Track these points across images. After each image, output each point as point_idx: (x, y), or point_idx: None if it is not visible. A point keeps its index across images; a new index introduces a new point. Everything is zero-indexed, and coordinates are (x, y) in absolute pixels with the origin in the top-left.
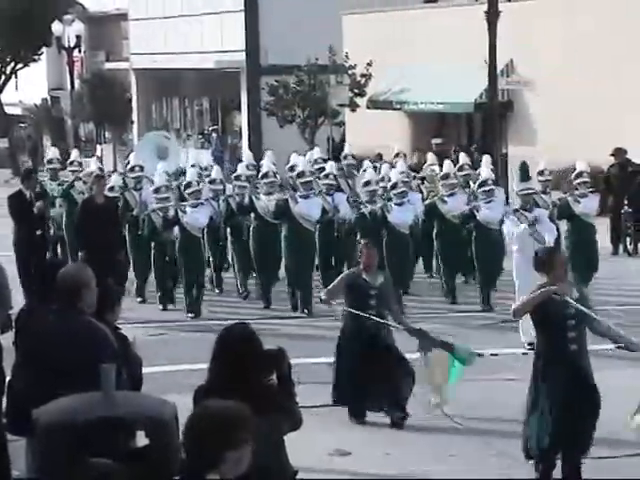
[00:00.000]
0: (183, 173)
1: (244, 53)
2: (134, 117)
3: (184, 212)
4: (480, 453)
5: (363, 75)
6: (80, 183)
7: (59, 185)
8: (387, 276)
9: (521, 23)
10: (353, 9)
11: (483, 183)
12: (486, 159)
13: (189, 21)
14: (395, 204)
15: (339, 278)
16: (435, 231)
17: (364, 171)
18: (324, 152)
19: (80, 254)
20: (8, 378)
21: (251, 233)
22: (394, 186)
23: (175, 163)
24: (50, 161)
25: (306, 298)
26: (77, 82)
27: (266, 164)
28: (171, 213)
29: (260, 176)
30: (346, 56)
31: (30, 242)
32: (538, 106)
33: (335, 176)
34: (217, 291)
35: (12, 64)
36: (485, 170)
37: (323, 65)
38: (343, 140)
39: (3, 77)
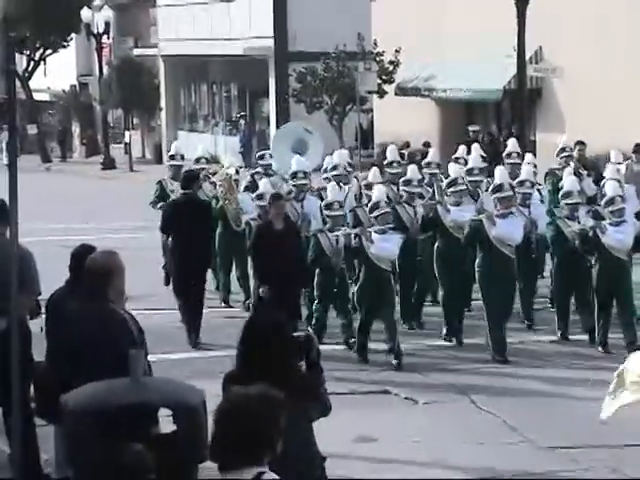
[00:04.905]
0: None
1: (272, 40)
2: (162, 103)
3: (370, 240)
4: (506, 440)
5: (391, 62)
6: (207, 184)
7: None
8: None
9: (550, 10)
10: None
11: None
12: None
13: (217, 7)
14: (610, 224)
15: None
16: None
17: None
18: (351, 140)
19: (261, 290)
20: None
21: (435, 252)
22: (610, 201)
23: (314, 162)
24: (173, 156)
25: (498, 342)
26: (105, 68)
27: (454, 169)
28: (352, 237)
29: (447, 183)
30: (374, 43)
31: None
32: (567, 93)
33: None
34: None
35: (41, 50)
36: None
37: (351, 52)
38: (372, 127)
39: (32, 63)
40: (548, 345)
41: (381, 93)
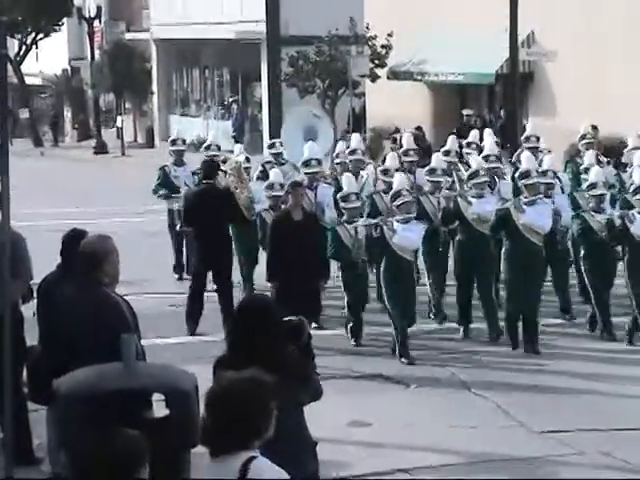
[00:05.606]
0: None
1: (265, 24)
2: (154, 87)
3: (392, 230)
4: (499, 424)
5: (384, 46)
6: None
7: (194, 174)
8: None
9: None
10: None
11: None
12: None
13: None
14: (639, 213)
15: None
16: None
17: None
18: (344, 124)
19: (271, 285)
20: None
21: (456, 245)
22: (639, 190)
23: (325, 146)
24: (174, 142)
25: (533, 333)
26: (97, 52)
27: (475, 160)
28: (373, 227)
29: (468, 175)
30: (367, 27)
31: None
32: (559, 77)
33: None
34: None
35: (33, 34)
36: None
37: (344, 36)
38: (364, 111)
39: (24, 47)
40: (545, 330)
41: (373, 77)
